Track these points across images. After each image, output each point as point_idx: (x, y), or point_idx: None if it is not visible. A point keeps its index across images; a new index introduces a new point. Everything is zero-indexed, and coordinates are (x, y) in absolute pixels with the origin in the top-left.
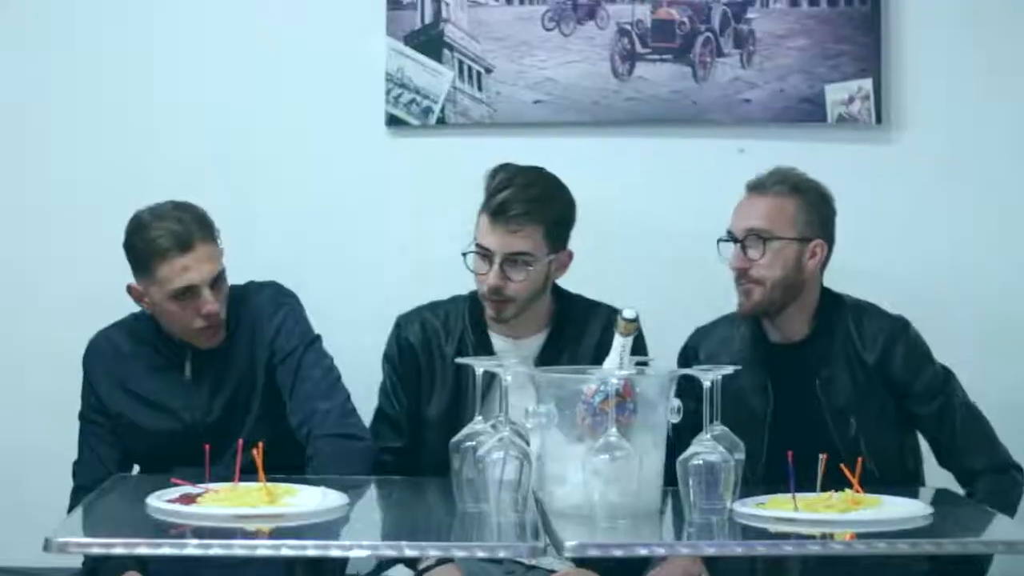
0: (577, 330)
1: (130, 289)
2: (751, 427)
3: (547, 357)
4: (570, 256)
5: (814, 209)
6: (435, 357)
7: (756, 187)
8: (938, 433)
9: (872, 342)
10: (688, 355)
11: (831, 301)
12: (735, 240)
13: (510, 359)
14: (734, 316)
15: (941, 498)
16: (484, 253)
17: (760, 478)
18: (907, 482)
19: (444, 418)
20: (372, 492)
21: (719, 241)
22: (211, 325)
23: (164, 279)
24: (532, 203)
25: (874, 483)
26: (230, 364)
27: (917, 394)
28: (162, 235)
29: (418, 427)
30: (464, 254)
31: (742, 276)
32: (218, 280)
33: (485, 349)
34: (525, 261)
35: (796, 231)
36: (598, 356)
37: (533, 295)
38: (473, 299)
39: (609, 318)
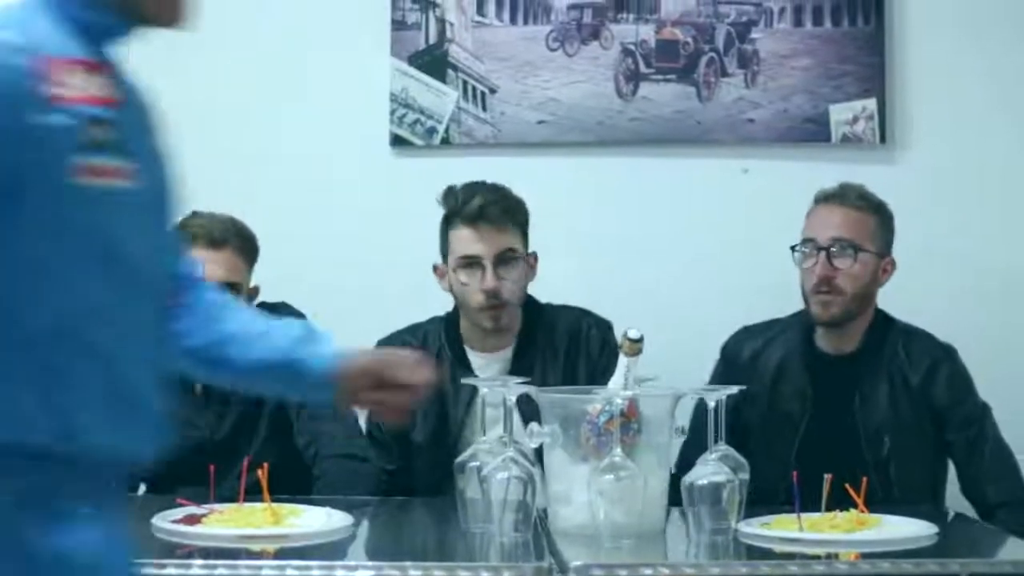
0: (544, 335)
1: None
2: (784, 432)
3: (519, 366)
4: (536, 258)
5: (887, 227)
6: None
7: (835, 197)
8: (966, 463)
9: (918, 364)
10: (728, 354)
11: (883, 320)
12: (819, 248)
13: (487, 372)
14: (784, 320)
15: (949, 519)
16: (471, 262)
17: (783, 488)
18: (931, 503)
19: (429, 442)
20: (376, 512)
21: (793, 248)
22: None
23: None
24: (506, 203)
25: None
26: None
27: (953, 421)
28: (199, 227)
29: (406, 451)
30: (455, 270)
31: (824, 285)
32: (232, 290)
33: (463, 365)
34: (514, 258)
35: (875, 246)
36: (568, 358)
37: (520, 300)
38: (449, 319)
39: (578, 318)
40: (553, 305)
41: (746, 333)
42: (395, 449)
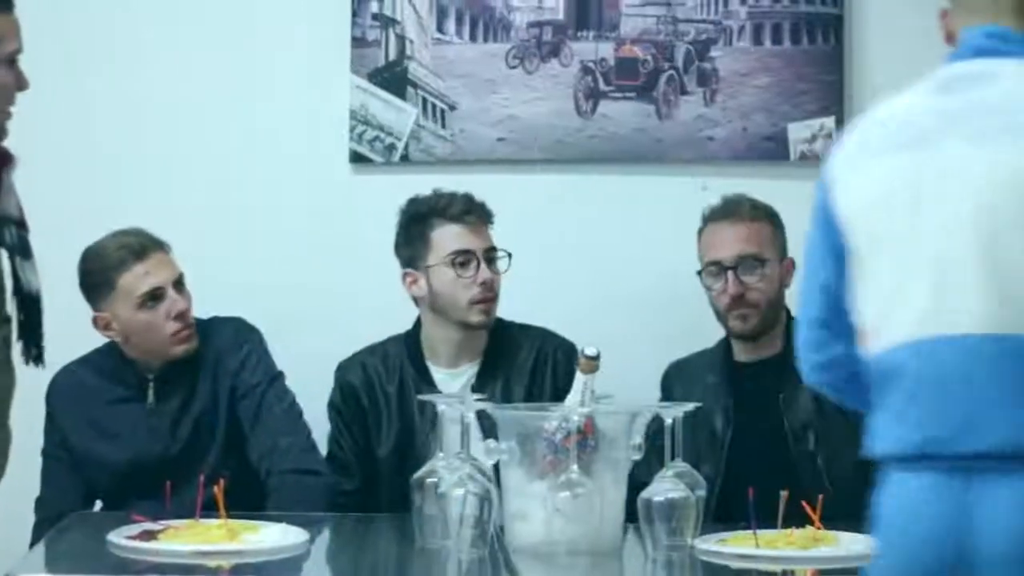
0: (510, 355)
1: (96, 320)
2: (710, 448)
3: (483, 383)
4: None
5: (781, 230)
6: (379, 397)
7: (728, 214)
8: None
9: None
10: (665, 387)
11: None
12: (725, 268)
13: (451, 389)
14: (711, 348)
15: None
16: (466, 258)
17: (717, 500)
18: (864, 497)
19: (393, 456)
20: (333, 529)
21: (699, 273)
22: (184, 327)
23: (127, 289)
24: (483, 205)
25: (830, 503)
26: (193, 395)
27: None
28: (115, 249)
29: (370, 467)
30: (444, 267)
31: (738, 302)
32: (180, 283)
33: (427, 382)
34: (498, 256)
35: (776, 253)
36: (533, 379)
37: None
38: (409, 335)
39: (543, 339)
40: (516, 324)
41: (674, 368)
42: (355, 469)
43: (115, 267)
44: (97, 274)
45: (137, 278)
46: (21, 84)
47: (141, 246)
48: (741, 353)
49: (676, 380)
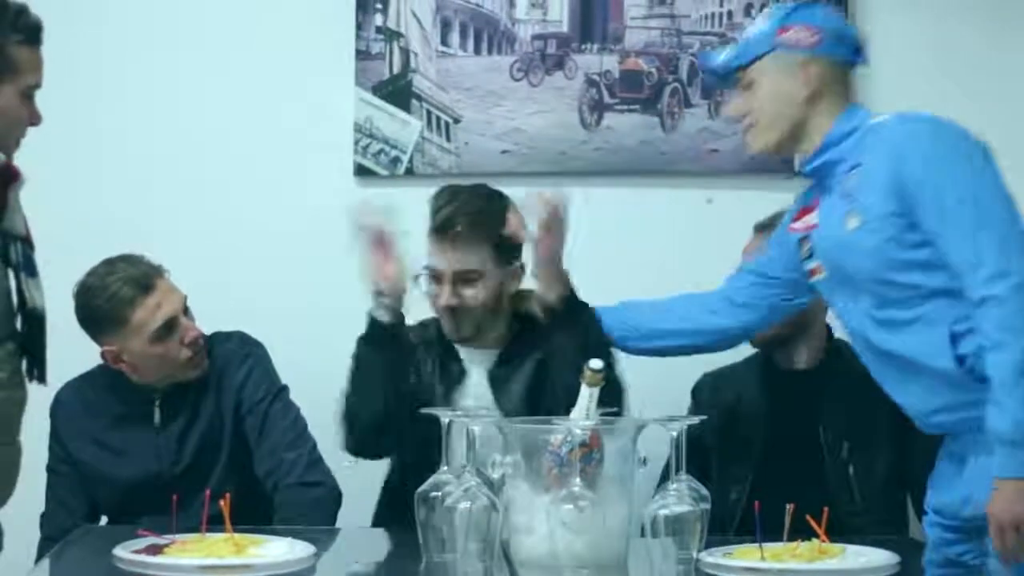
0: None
1: (104, 354)
2: (744, 452)
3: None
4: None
5: None
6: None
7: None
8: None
9: None
10: (697, 397)
11: (832, 335)
12: None
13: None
14: (742, 360)
15: (910, 547)
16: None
17: (745, 508)
18: (893, 511)
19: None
20: (339, 542)
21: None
22: (196, 352)
23: (141, 324)
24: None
25: (861, 515)
26: (198, 413)
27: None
28: (121, 285)
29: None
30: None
31: None
32: (186, 307)
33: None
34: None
35: None
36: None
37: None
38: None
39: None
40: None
41: (712, 377)
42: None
43: (125, 303)
44: (103, 311)
45: (150, 312)
46: (34, 119)
47: (146, 277)
48: (782, 362)
49: (711, 390)
